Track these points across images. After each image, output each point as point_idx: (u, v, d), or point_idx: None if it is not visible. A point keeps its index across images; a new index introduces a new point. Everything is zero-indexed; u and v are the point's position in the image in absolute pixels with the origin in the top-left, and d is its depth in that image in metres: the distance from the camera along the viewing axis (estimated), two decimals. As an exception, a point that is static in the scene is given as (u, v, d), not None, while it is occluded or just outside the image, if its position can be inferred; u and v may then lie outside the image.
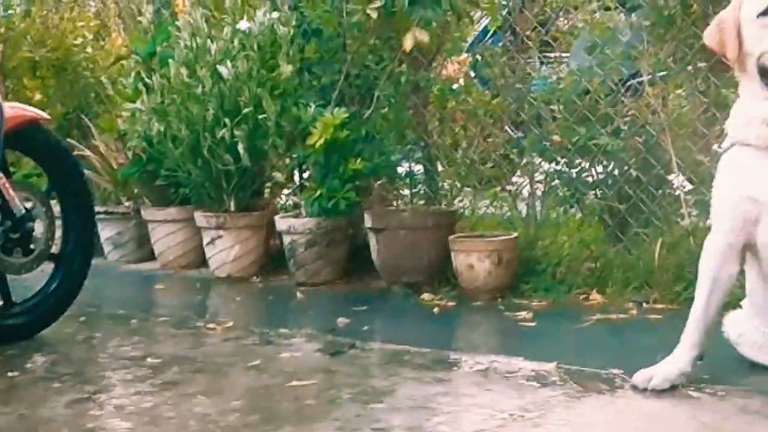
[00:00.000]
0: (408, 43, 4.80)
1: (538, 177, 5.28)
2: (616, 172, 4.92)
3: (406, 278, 4.88)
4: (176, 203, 5.80)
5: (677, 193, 4.61)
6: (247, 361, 3.69)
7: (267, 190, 5.83)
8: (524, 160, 5.38)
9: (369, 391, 3.24)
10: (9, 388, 3.49)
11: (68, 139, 6.02)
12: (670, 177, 4.68)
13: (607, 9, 4.86)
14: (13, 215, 4.03)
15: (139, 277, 5.80)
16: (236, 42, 5.30)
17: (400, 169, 5.55)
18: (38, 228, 4.15)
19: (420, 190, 5.51)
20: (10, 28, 6.98)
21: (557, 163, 5.11)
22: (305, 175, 5.67)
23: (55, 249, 4.29)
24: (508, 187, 5.49)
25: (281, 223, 5.24)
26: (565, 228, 4.89)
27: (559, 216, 5.11)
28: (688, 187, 4.62)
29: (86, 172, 4.98)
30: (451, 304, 4.59)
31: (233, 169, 5.32)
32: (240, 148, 5.21)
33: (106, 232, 6.11)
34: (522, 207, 5.35)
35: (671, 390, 3.08)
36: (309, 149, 5.04)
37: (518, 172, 5.55)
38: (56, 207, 4.35)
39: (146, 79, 5.58)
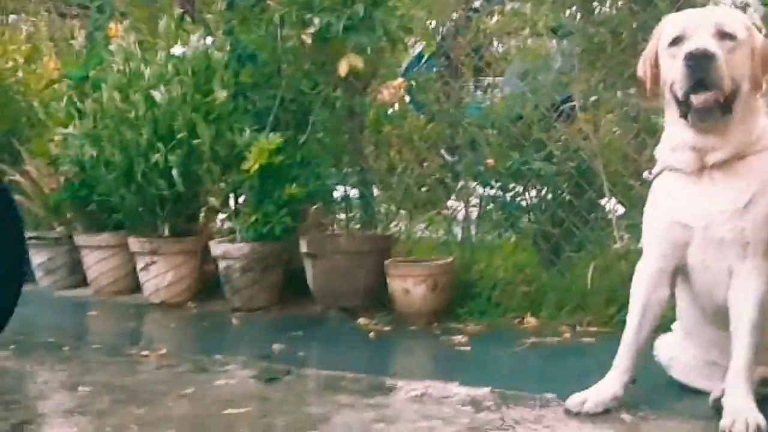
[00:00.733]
0: (343, 68, 4.82)
1: (473, 201, 5.33)
2: (549, 196, 4.98)
3: (342, 303, 4.87)
4: (109, 229, 5.74)
5: (609, 217, 4.67)
6: (181, 389, 3.64)
7: (202, 215, 5.78)
8: (459, 185, 5.42)
9: (304, 419, 3.22)
10: (-64, 420, 3.41)
11: (-1, 164, 5.94)
12: (603, 201, 4.74)
13: (540, 36, 4.92)
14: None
15: (71, 303, 5.71)
16: (170, 67, 5.28)
17: (336, 194, 5.55)
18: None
19: (356, 214, 5.52)
20: (-60, 51, 6.88)
21: (492, 188, 5.17)
22: (240, 200, 5.64)
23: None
24: (444, 211, 5.52)
25: (216, 248, 5.20)
26: (500, 252, 4.93)
27: (494, 240, 5.15)
28: (620, 210, 4.68)
29: (17, 197, 4.91)
30: (387, 328, 4.60)
31: (167, 194, 5.28)
32: (174, 173, 5.18)
33: (37, 257, 6.01)
34: (457, 231, 5.38)
35: (604, 414, 3.10)
36: (244, 174, 5.03)
37: (453, 196, 5.59)
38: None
39: (79, 104, 5.54)
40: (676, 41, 2.98)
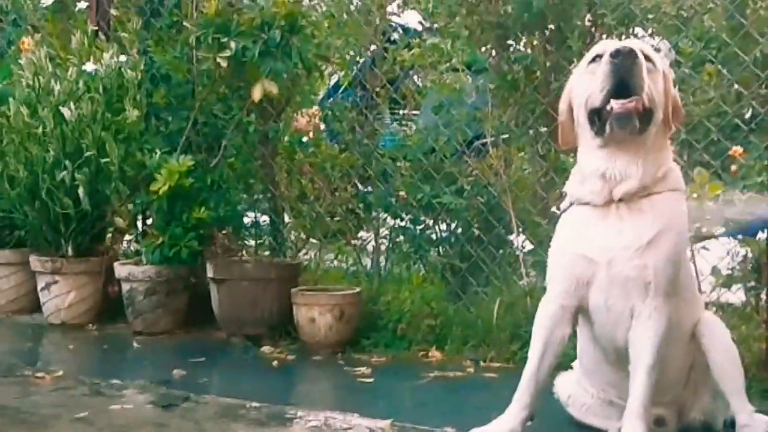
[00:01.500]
0: (257, 93, 4.80)
1: (384, 232, 5.34)
2: (459, 230, 5.01)
3: (247, 330, 4.82)
4: (10, 246, 5.62)
5: (517, 253, 4.70)
6: (75, 412, 3.55)
7: (108, 236, 5.67)
8: (370, 215, 5.41)
9: (200, 447, 3.17)
10: None
11: None
12: (511, 237, 4.78)
13: (455, 70, 4.96)
14: None
15: (-33, 322, 5.55)
16: (81, 83, 5.19)
17: (245, 220, 5.50)
18: None
19: (265, 241, 5.48)
20: None
21: (402, 220, 5.18)
22: (148, 221, 5.56)
23: None
24: (354, 242, 5.51)
25: (121, 269, 5.11)
26: (407, 284, 4.92)
27: (402, 272, 5.15)
28: (528, 247, 4.72)
29: None
30: (291, 357, 4.56)
31: (72, 212, 5.18)
32: (80, 191, 5.08)
33: (-67, 274, 5.83)
34: (367, 261, 5.37)
35: (502, 449, 3.11)
36: (152, 196, 4.96)
37: (364, 227, 5.58)
38: None
39: (-16, 117, 5.40)
40: (596, 59, 3.00)
